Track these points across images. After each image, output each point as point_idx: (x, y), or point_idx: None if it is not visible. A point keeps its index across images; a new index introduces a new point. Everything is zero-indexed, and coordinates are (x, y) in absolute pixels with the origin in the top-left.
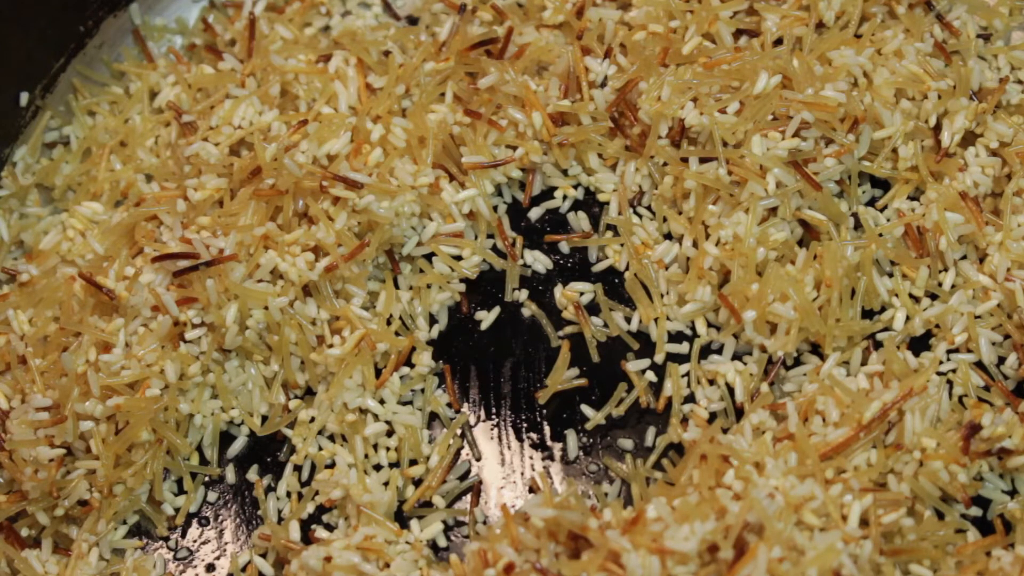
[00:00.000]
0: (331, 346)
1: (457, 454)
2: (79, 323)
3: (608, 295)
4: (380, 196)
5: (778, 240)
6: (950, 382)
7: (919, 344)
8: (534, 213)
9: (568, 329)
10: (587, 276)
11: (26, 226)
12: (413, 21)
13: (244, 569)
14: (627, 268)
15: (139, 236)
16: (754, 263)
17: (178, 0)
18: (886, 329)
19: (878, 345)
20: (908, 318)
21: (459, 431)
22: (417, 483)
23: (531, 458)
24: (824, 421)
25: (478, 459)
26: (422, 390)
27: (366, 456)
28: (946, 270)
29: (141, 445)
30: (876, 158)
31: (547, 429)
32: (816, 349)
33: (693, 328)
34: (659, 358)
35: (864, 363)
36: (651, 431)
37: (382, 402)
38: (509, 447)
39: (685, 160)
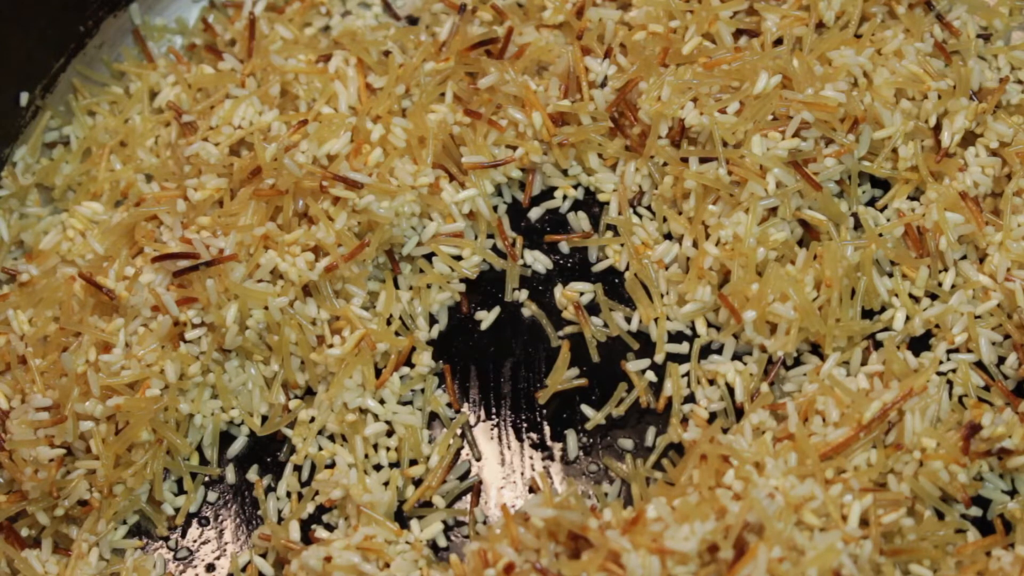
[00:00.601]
0: (331, 346)
1: (457, 454)
2: (79, 323)
3: (608, 295)
4: (380, 196)
5: (778, 240)
6: (950, 382)
7: (919, 344)
8: (534, 213)
9: (568, 329)
10: (587, 276)
11: (26, 226)
12: (413, 21)
13: (244, 569)
14: (627, 268)
15: (139, 236)
16: (754, 263)
17: (178, 0)
18: (886, 329)
19: (878, 345)
20: (908, 318)
21: (459, 431)
22: (417, 483)
23: (531, 458)
24: (824, 421)
25: (478, 459)
26: (422, 390)
27: (366, 456)
28: (946, 270)
29: (141, 445)
30: (876, 158)
31: (547, 429)
32: (816, 349)
33: (693, 328)
34: (659, 358)
35: (864, 363)
36: (651, 431)
37: (382, 402)
38: (509, 447)
39: (685, 160)
